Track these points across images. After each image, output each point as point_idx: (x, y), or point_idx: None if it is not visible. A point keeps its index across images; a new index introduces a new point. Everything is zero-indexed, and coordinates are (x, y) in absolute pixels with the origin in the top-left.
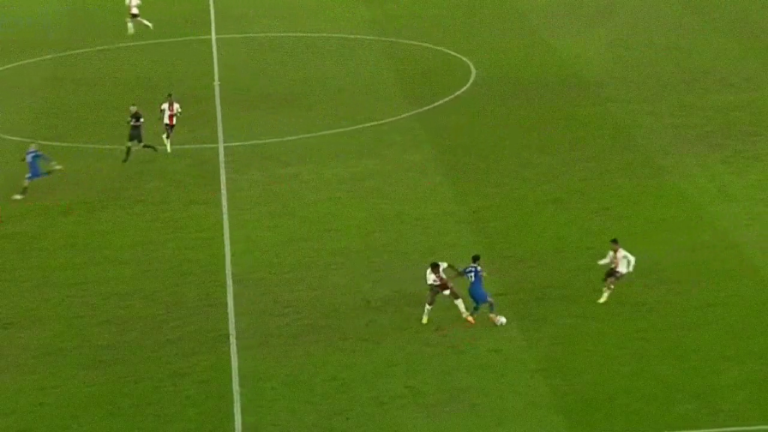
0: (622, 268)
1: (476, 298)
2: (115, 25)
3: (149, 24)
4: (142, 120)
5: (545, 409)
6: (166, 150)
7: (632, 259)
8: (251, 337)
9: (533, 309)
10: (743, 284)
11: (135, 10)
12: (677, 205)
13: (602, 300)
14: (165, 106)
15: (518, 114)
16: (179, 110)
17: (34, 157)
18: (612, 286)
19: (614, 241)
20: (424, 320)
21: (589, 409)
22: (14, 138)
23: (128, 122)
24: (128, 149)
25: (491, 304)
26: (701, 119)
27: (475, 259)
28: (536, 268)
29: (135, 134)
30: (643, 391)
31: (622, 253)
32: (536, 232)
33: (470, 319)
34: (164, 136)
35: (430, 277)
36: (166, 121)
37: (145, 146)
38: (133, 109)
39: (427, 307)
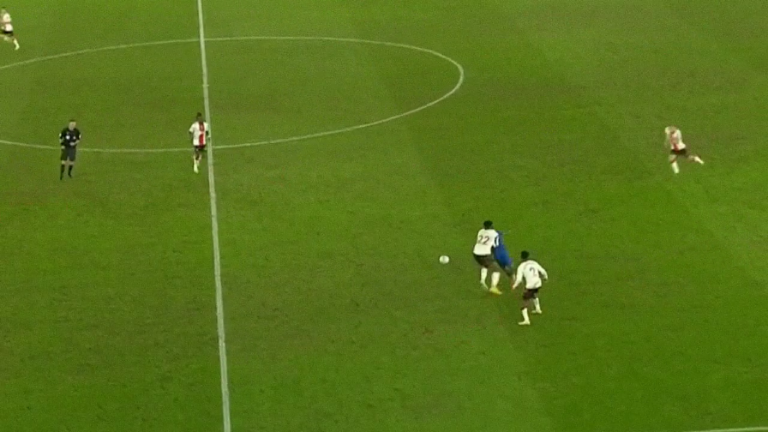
0: (529, 284)
1: (505, 260)
2: (101, 29)
3: (17, 45)
4: (80, 137)
5: (532, 412)
6: (194, 170)
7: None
8: (239, 340)
9: (518, 311)
10: (729, 286)
11: (9, 27)
12: (663, 207)
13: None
14: (195, 126)
15: (505, 116)
16: (208, 131)
17: None
18: (523, 307)
19: (523, 254)
20: (490, 288)
21: (575, 412)
22: (0, 141)
23: (65, 140)
24: (63, 167)
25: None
26: (686, 121)
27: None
28: None
29: (71, 153)
30: (630, 394)
31: (528, 266)
32: (523, 234)
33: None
34: (194, 158)
35: (492, 237)
36: (196, 142)
37: (71, 167)
38: (72, 125)
39: (484, 271)
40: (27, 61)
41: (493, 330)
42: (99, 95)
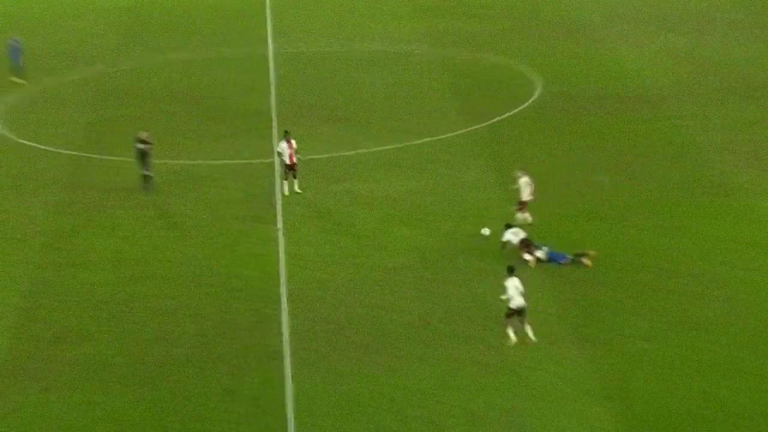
0: (513, 303)
1: (557, 258)
2: (167, 40)
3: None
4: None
5: None
6: (284, 192)
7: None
8: (303, 355)
9: (594, 330)
10: None
11: None
12: (746, 224)
13: (533, 339)
14: (283, 145)
15: (579, 129)
16: (295, 147)
17: None
18: (524, 325)
19: (509, 269)
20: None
21: None
22: (66, 151)
23: (143, 150)
24: (146, 177)
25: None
26: None
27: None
28: (597, 287)
29: (150, 161)
30: (708, 417)
31: (513, 283)
32: (597, 250)
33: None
34: (284, 180)
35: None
36: (287, 161)
37: (147, 175)
38: (144, 134)
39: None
40: (92, 73)
41: (568, 350)
42: (164, 106)
